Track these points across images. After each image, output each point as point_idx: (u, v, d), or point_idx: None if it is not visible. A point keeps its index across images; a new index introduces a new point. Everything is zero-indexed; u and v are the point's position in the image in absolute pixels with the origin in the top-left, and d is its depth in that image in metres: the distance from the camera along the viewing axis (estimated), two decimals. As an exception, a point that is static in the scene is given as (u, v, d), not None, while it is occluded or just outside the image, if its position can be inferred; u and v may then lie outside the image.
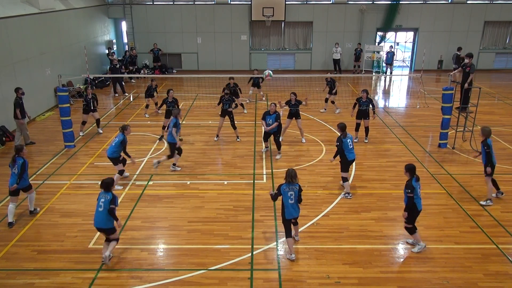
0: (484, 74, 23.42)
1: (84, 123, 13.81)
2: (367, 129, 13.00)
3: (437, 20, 23.80)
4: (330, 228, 8.48)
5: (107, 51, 22.59)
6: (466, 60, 15.48)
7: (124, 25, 24.90)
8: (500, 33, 24.36)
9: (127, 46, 24.92)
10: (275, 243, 7.99)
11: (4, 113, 13.59)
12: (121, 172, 10.04)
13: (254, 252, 7.69)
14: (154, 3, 23.82)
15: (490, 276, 7.07)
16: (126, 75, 21.05)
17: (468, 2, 23.66)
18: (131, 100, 18.40)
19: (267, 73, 13.41)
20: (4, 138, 13.09)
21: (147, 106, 16.01)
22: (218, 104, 13.36)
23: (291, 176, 7.32)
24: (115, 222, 7.31)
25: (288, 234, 7.48)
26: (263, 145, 12.31)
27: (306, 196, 9.75)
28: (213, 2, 23.73)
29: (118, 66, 19.62)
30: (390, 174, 10.87)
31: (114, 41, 24.65)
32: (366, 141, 13.06)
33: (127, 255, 7.63)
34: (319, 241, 8.05)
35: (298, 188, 7.41)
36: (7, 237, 8.20)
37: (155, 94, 15.88)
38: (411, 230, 7.66)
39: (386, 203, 9.45)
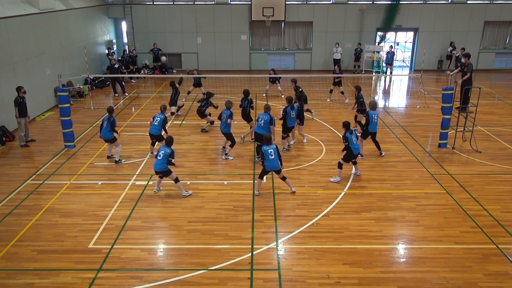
0: (484, 74, 23.44)
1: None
2: (359, 123, 13.24)
3: (437, 20, 23.81)
4: (330, 228, 8.48)
5: (107, 51, 22.59)
6: (463, 60, 15.56)
7: (124, 25, 24.91)
8: (500, 33, 24.36)
9: (126, 46, 24.93)
10: (275, 243, 7.99)
11: (4, 113, 13.59)
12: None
13: (254, 252, 7.69)
14: (154, 3, 23.82)
15: (490, 276, 7.07)
16: (126, 75, 21.08)
17: (468, 2, 23.66)
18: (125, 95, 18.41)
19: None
20: (4, 138, 13.09)
21: (188, 93, 17.96)
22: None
23: (267, 140, 9.48)
24: (169, 166, 9.53)
25: (260, 177, 9.76)
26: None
27: (306, 196, 9.77)
28: (213, 2, 23.73)
29: (117, 66, 19.57)
30: (390, 174, 10.87)
31: (114, 41, 24.65)
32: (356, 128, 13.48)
33: (127, 255, 7.63)
34: (319, 241, 8.05)
35: (275, 147, 9.50)
36: (7, 237, 8.20)
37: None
38: (340, 165, 10.32)
39: (386, 203, 9.45)
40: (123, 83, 19.51)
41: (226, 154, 11.92)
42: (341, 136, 10.58)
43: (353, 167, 10.80)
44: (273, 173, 10.14)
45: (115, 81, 19.13)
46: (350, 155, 10.28)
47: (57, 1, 17.81)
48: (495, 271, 7.18)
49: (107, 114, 11.41)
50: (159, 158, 9.47)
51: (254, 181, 10.48)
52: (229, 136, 11.86)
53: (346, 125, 10.23)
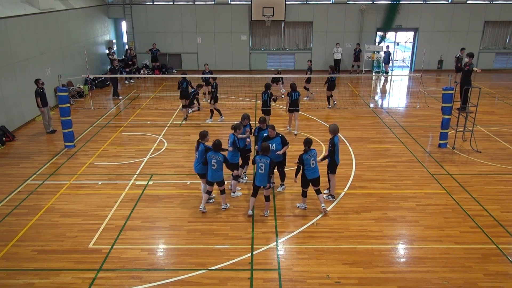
0: (484, 74, 23.42)
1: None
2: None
3: (437, 20, 23.81)
4: (330, 228, 8.48)
5: (107, 51, 22.58)
6: (466, 59, 15.57)
7: (124, 25, 24.91)
8: (500, 33, 24.36)
9: (127, 46, 24.93)
10: (275, 243, 7.99)
11: (4, 113, 13.59)
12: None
13: (254, 252, 7.69)
14: (154, 3, 23.83)
15: (490, 276, 7.07)
16: (126, 75, 21.06)
17: (468, 2, 23.66)
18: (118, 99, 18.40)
19: None
20: (4, 138, 13.08)
21: (204, 93, 17.69)
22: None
23: (263, 149, 8.46)
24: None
25: (253, 195, 8.75)
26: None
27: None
28: (213, 2, 23.74)
29: (117, 67, 19.39)
30: (390, 174, 10.87)
31: (114, 41, 24.65)
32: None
33: (127, 255, 7.63)
34: (319, 241, 8.05)
35: (269, 161, 8.44)
36: (7, 237, 8.20)
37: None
38: (304, 193, 8.99)
39: (386, 203, 9.45)
40: (118, 86, 19.14)
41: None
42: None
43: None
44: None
45: (114, 83, 18.86)
46: (305, 179, 8.84)
47: (57, 1, 17.80)
48: (495, 271, 7.19)
49: (200, 140, 9.02)
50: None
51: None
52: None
53: (307, 142, 8.73)
